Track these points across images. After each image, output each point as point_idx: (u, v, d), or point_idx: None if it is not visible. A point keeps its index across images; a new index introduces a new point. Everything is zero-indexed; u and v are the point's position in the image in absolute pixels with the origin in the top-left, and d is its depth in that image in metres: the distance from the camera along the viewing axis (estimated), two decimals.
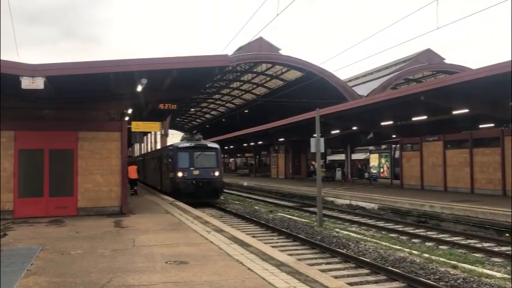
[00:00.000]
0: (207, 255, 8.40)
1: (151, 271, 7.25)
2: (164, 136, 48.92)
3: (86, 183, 14.94)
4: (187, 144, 23.92)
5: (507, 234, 14.28)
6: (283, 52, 44.88)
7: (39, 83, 11.63)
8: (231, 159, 78.31)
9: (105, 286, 6.39)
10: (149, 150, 63.65)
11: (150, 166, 34.61)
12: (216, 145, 24.91)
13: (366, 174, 39.69)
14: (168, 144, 34.18)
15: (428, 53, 50.45)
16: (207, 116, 76.37)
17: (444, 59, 50.20)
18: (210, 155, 23.71)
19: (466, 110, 21.28)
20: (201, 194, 22.61)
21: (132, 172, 23.83)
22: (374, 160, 38.28)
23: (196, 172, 22.85)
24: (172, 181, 23.08)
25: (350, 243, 12.79)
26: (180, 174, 22.65)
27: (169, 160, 24.12)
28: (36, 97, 13.75)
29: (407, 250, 11.88)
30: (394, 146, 34.42)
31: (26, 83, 11.57)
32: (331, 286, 6.28)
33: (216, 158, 23.84)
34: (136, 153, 71.89)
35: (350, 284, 8.15)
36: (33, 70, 11.76)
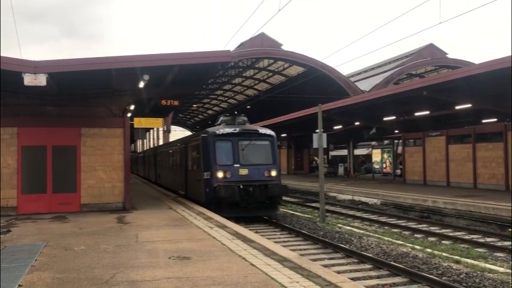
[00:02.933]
0: (210, 251, 8.42)
1: (155, 267, 7.27)
2: (166, 132, 48.97)
3: (89, 180, 14.99)
4: (228, 130, 16.31)
5: (510, 229, 14.27)
6: (285, 48, 44.81)
7: (41, 80, 11.66)
8: None
9: (108, 282, 6.42)
10: (152, 145, 63.56)
11: (166, 163, 26.52)
12: (270, 131, 17.09)
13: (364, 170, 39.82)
14: (192, 133, 26.67)
15: (431, 48, 50.25)
16: (209, 112, 76.40)
17: (447, 54, 50.02)
18: (263, 146, 16.50)
19: (469, 105, 21.22)
20: (253, 205, 15.39)
21: None
22: (376, 155, 38.23)
23: (244, 171, 15.68)
24: (207, 185, 15.72)
25: (352, 239, 12.80)
26: (220, 174, 15.44)
27: (201, 154, 16.61)
28: (38, 94, 13.78)
29: (410, 245, 11.89)
30: (396, 141, 34.37)
31: (29, 80, 11.61)
32: (334, 281, 6.29)
33: (272, 149, 16.58)
34: (140, 148, 71.98)
35: (353, 279, 8.16)
36: (35, 67, 11.79)
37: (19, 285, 6.26)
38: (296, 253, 8.77)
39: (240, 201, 15.15)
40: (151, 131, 68.08)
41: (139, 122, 19.07)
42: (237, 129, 16.35)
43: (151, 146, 61.19)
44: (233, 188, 15.05)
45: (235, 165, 15.69)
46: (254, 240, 9.40)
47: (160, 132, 58.89)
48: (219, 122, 17.60)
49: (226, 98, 65.43)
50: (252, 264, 7.38)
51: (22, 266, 7.33)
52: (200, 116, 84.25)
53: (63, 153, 14.83)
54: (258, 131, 16.74)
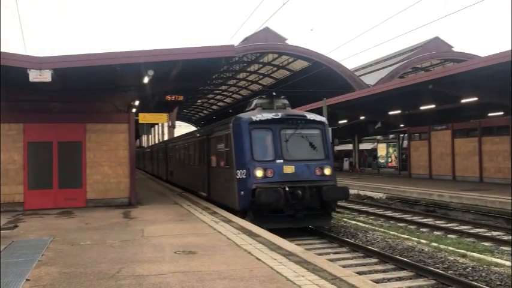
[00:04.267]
0: (215, 245, 8.44)
1: (161, 261, 7.30)
2: (171, 127, 49.06)
3: (95, 175, 15.06)
4: (268, 115, 12.95)
5: None
6: (289, 42, 44.66)
7: (46, 76, 11.69)
8: None
9: (114, 276, 6.45)
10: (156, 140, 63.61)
11: (180, 158, 23.01)
12: (321, 117, 14.06)
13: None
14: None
15: (437, 41, 49.90)
16: (214, 107, 76.42)
17: (452, 47, 49.68)
18: (313, 136, 13.26)
19: (475, 98, 21.09)
20: (301, 212, 12.09)
21: None
22: (382, 150, 38.14)
23: (289, 169, 12.45)
24: (241, 187, 12.43)
25: (358, 233, 12.80)
26: (258, 173, 12.23)
27: (232, 147, 13.11)
28: (43, 90, 13.82)
29: (416, 239, 11.87)
30: (402, 135, 34.27)
31: (34, 76, 11.64)
32: (340, 275, 6.29)
33: (324, 140, 13.32)
34: (146, 143, 72.20)
35: (358, 273, 8.15)
36: (40, 63, 11.82)
37: (27, 280, 6.30)
38: (302, 247, 8.77)
39: (286, 207, 11.87)
40: (156, 126, 68.25)
41: (144, 118, 19.06)
42: (279, 115, 12.95)
43: (158, 141, 61.30)
44: (277, 190, 11.60)
45: (278, 161, 12.47)
46: (260, 235, 9.41)
47: (165, 128, 59.04)
48: (252, 106, 14.29)
49: (230, 93, 65.40)
50: (257, 258, 7.39)
51: (29, 261, 7.38)
52: (205, 112, 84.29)
53: (68, 149, 14.89)
54: (305, 116, 13.39)
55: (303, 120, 13.27)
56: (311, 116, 13.57)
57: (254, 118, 12.83)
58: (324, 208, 12.54)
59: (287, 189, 11.81)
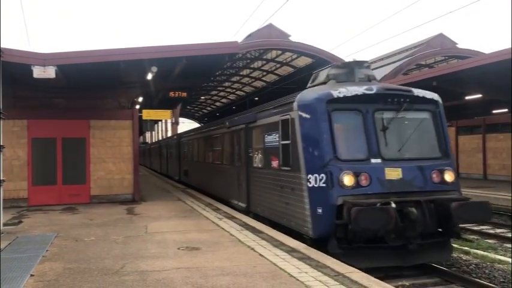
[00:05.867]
0: (218, 242, 8.47)
1: (164, 257, 7.33)
2: (175, 124, 49.12)
3: (99, 171, 15.12)
4: (356, 90, 8.73)
5: None
6: (293, 38, 44.57)
7: (50, 72, 11.73)
8: None
9: (118, 272, 6.48)
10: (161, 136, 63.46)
11: (199, 155, 19.34)
12: (432, 93, 9.36)
13: None
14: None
15: (441, 38, 49.65)
16: (217, 104, 76.43)
17: (457, 44, 49.45)
18: (423, 122, 9.08)
19: (479, 95, 21.01)
20: (414, 242, 7.99)
21: None
22: None
23: (394, 173, 8.36)
24: (317, 201, 8.29)
25: None
26: (347, 180, 8.10)
27: (297, 139, 8.99)
28: (47, 86, 13.87)
29: None
30: None
31: (38, 72, 11.69)
32: (343, 271, 6.30)
33: (440, 129, 9.11)
34: (149, 140, 72.31)
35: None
36: (44, 59, 11.85)
37: (31, 275, 6.34)
38: (304, 244, 8.76)
39: (391, 235, 7.87)
40: (160, 122, 68.33)
41: (148, 114, 19.09)
42: (374, 88, 8.69)
43: (162, 137, 61.31)
44: (386, 210, 7.49)
45: (374, 161, 8.34)
46: (263, 231, 9.43)
47: (169, 124, 59.11)
48: (321, 78, 9.78)
49: (234, 90, 65.39)
50: (260, 254, 7.41)
51: (34, 256, 7.42)
52: (208, 108, 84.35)
53: (72, 145, 14.96)
54: (411, 92, 8.98)
55: (408, 98, 8.80)
56: (419, 92, 9.07)
57: (335, 94, 8.49)
58: (444, 233, 8.37)
59: (393, 205, 7.60)
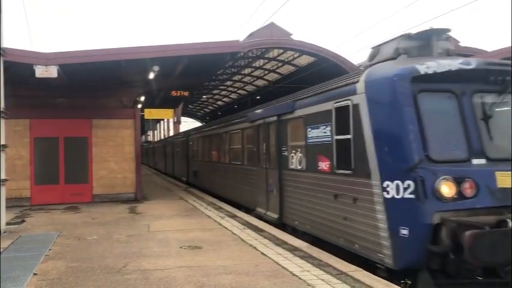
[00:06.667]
0: (220, 241, 8.47)
1: (166, 256, 7.34)
2: (177, 123, 49.20)
3: (101, 171, 15.15)
4: (450, 64, 6.41)
5: None
6: (295, 37, 44.56)
7: (52, 72, 11.76)
8: None
9: (121, 270, 6.49)
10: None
11: (213, 153, 17.19)
12: None
13: None
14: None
15: None
16: (219, 102, 76.45)
17: (459, 42, 49.33)
18: None
19: None
20: None
21: None
22: None
23: (507, 179, 5.98)
24: (404, 220, 6.01)
25: None
26: (447, 189, 5.85)
27: (363, 131, 6.66)
28: (50, 85, 13.89)
29: None
30: None
31: (40, 72, 11.72)
32: (345, 270, 6.30)
33: None
34: (152, 138, 72.37)
35: None
36: (46, 59, 11.88)
37: (34, 274, 6.36)
38: (306, 243, 8.77)
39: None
40: (162, 122, 68.40)
41: (150, 113, 19.15)
42: (472, 63, 6.64)
43: (165, 136, 61.33)
44: (500, 235, 5.44)
45: (478, 162, 6.32)
46: (265, 230, 9.44)
47: (171, 123, 59.20)
48: (391, 52, 7.31)
49: (235, 89, 65.38)
50: (262, 253, 7.41)
51: (37, 255, 7.45)
52: (210, 107, 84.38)
53: (74, 145, 14.99)
54: None
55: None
56: None
57: (423, 69, 6.33)
58: None
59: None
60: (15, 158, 14.29)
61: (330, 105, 7.76)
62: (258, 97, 53.80)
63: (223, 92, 69.84)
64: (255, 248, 7.83)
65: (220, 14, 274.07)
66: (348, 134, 7.10)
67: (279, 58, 49.28)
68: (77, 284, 5.87)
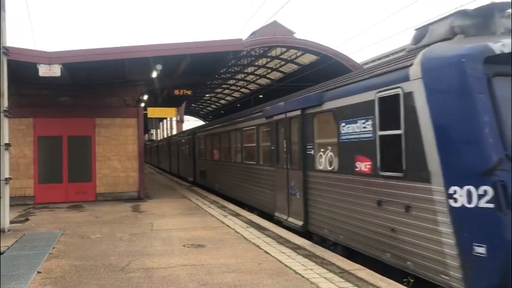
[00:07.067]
0: (224, 239, 8.48)
1: (170, 254, 7.35)
2: (180, 122, 49.25)
3: (104, 169, 15.20)
4: None
5: None
6: (298, 36, 44.53)
7: (55, 70, 11.78)
8: None
9: (124, 269, 6.51)
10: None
11: (221, 152, 16.50)
12: None
13: None
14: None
15: None
16: (222, 101, 76.48)
17: None
18: None
19: None
20: None
21: None
22: None
23: None
24: (481, 235, 4.77)
25: None
26: None
27: (420, 126, 5.51)
28: (53, 84, 13.92)
29: None
30: None
31: (43, 71, 11.74)
32: (348, 269, 6.29)
33: None
34: (156, 137, 72.47)
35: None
36: (49, 58, 11.90)
37: (38, 272, 6.39)
38: (310, 241, 8.78)
39: None
40: (164, 120, 68.49)
41: (153, 112, 19.13)
42: None
43: (168, 135, 61.38)
44: None
45: None
46: (268, 228, 9.44)
47: (174, 122, 59.27)
48: (445, 31, 6.11)
49: (238, 88, 65.38)
50: (266, 251, 7.41)
51: (40, 254, 7.47)
52: (213, 106, 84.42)
53: (78, 143, 15.04)
54: None
55: None
56: None
57: (498, 47, 5.17)
58: None
59: None
60: (19, 157, 14.34)
61: (371, 95, 6.61)
62: (261, 96, 53.77)
63: (226, 91, 69.84)
64: (258, 246, 7.83)
65: (223, 13, 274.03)
66: (398, 129, 5.98)
67: (281, 56, 49.26)
68: (80, 282, 5.89)
